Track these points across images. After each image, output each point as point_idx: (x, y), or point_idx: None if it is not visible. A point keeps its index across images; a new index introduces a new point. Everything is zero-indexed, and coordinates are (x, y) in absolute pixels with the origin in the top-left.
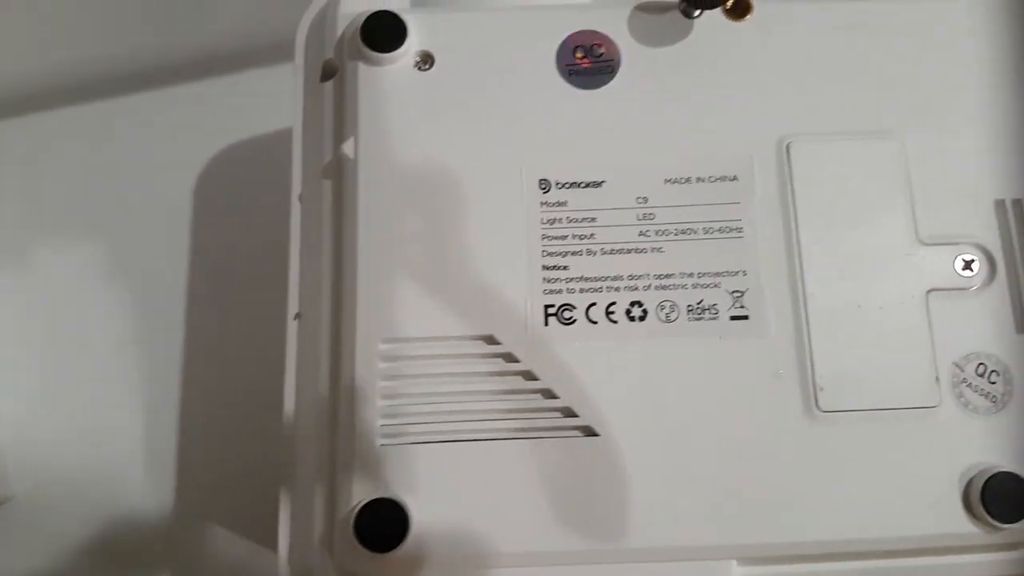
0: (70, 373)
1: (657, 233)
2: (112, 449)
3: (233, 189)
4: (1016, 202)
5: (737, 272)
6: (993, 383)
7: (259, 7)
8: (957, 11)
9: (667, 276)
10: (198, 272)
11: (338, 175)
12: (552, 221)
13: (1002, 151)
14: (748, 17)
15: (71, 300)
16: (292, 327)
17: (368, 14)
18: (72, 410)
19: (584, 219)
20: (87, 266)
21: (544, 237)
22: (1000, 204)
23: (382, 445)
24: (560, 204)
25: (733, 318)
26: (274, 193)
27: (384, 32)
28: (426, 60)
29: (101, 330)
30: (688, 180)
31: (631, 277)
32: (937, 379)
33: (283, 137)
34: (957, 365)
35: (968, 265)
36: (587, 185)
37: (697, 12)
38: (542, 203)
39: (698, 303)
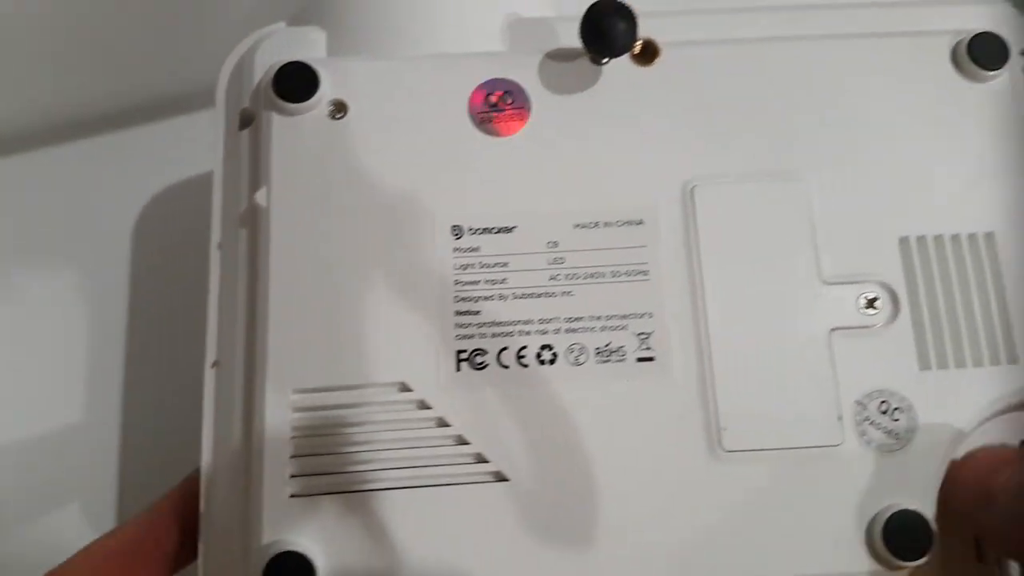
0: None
1: (567, 277)
2: (48, 487)
3: (172, 230)
4: (920, 239)
5: (643, 314)
6: (896, 420)
7: (190, 55)
8: (858, 52)
9: (576, 319)
10: (137, 316)
11: (252, 224)
12: (464, 267)
13: (906, 189)
14: (656, 62)
15: (11, 340)
16: (210, 375)
17: (280, 64)
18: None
19: (496, 264)
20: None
21: (456, 283)
22: (904, 241)
23: (292, 496)
24: (472, 250)
25: (640, 360)
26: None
27: (296, 82)
28: (340, 109)
29: (34, 376)
30: (596, 224)
31: (542, 321)
32: (840, 417)
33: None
34: (860, 403)
35: (871, 303)
36: (499, 231)
37: (605, 59)
38: (455, 249)
39: (606, 345)
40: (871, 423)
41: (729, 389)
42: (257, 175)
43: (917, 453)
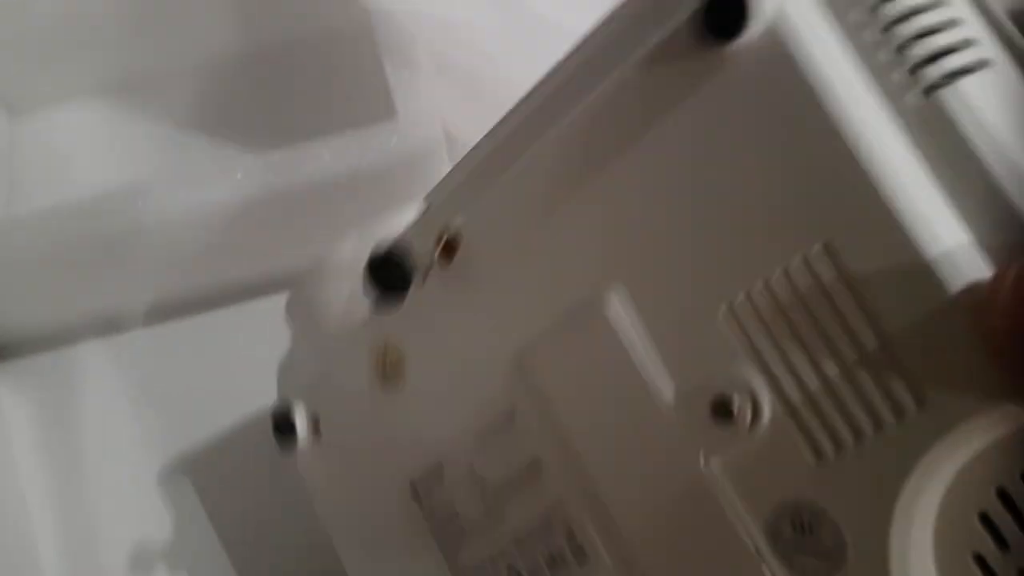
0: None
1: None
2: None
3: None
4: (743, 301)
5: (556, 503)
6: (816, 535)
7: None
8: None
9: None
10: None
11: None
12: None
13: (707, 260)
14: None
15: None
16: None
17: (273, 424)
18: None
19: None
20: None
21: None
22: (729, 312)
23: None
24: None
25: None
26: None
27: (283, 432)
28: (316, 427)
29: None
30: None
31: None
32: (757, 551)
33: None
34: (770, 528)
35: (726, 410)
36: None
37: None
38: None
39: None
40: (794, 548)
41: (652, 558)
42: None
43: (859, 565)
